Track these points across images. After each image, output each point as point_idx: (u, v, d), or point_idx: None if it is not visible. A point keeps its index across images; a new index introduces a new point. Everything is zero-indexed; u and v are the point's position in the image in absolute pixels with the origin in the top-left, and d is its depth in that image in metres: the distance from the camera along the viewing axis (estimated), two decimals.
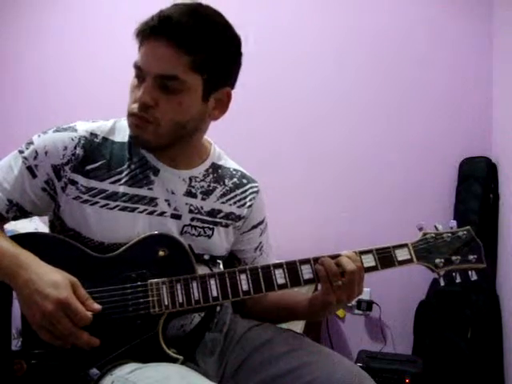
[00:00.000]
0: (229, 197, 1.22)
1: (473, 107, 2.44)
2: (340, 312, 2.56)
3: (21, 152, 1.11)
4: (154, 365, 1.00)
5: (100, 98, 2.70)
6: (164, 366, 1.00)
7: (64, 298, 0.95)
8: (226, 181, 1.23)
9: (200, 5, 1.09)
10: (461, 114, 2.46)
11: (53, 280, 0.97)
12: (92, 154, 1.10)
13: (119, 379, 0.97)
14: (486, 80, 2.42)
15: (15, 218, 1.13)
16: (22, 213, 1.12)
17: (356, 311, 2.56)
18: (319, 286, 1.11)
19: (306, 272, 1.09)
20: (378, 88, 2.54)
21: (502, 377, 2.15)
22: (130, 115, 1.08)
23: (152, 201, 1.12)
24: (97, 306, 1.00)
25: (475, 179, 2.34)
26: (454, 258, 1.11)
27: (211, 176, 1.20)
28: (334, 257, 1.08)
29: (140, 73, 1.06)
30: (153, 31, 1.03)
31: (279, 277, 1.08)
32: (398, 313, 2.49)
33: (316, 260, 1.09)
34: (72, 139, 1.09)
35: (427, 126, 2.49)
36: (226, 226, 1.21)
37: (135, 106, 1.06)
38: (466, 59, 2.45)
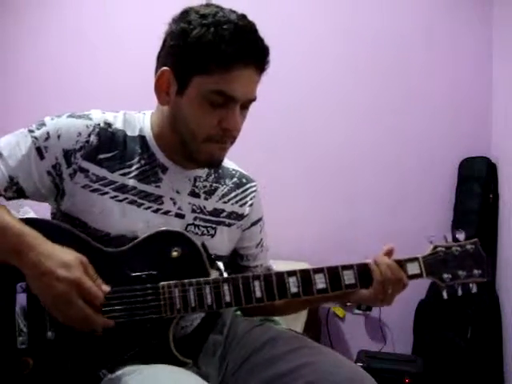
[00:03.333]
0: (230, 196, 1.23)
1: (473, 107, 2.45)
2: (340, 312, 2.56)
3: (31, 131, 1.07)
4: (163, 367, 0.99)
5: (100, 98, 2.70)
6: (174, 371, 0.98)
7: (77, 279, 0.93)
8: (227, 180, 1.23)
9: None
10: (461, 115, 2.46)
11: (63, 260, 0.94)
12: (106, 144, 1.09)
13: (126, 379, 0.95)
14: (486, 80, 2.42)
15: (10, 199, 1.08)
16: (20, 194, 1.07)
17: (356, 311, 2.56)
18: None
19: (320, 282, 1.08)
20: (378, 87, 2.55)
21: (502, 376, 2.15)
22: (215, 141, 1.07)
23: (158, 199, 1.12)
24: (106, 287, 0.98)
25: (475, 179, 2.34)
26: (460, 272, 1.12)
27: (213, 175, 1.21)
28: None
29: (225, 100, 1.04)
30: (248, 58, 1.03)
31: (293, 286, 1.07)
32: (398, 312, 2.48)
33: (329, 269, 1.09)
34: (87, 126, 1.08)
35: (427, 126, 2.49)
36: (229, 225, 1.21)
37: (220, 131, 1.05)
38: (466, 59, 2.45)
